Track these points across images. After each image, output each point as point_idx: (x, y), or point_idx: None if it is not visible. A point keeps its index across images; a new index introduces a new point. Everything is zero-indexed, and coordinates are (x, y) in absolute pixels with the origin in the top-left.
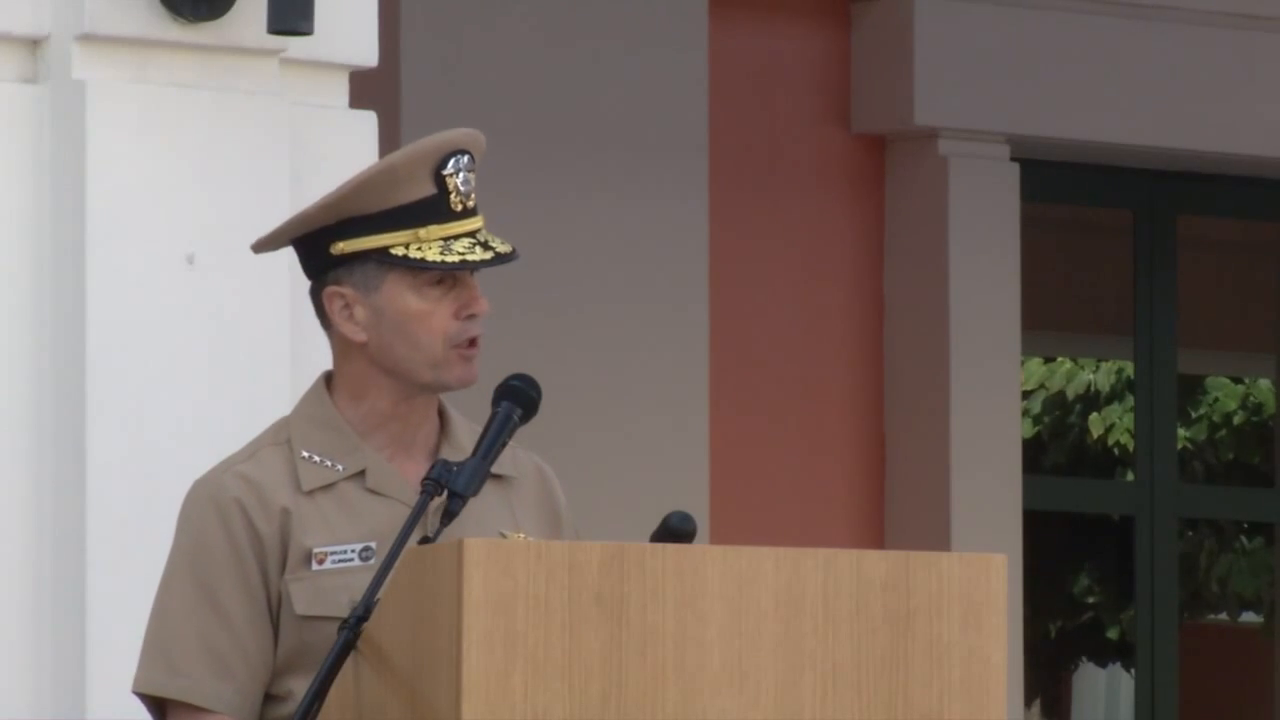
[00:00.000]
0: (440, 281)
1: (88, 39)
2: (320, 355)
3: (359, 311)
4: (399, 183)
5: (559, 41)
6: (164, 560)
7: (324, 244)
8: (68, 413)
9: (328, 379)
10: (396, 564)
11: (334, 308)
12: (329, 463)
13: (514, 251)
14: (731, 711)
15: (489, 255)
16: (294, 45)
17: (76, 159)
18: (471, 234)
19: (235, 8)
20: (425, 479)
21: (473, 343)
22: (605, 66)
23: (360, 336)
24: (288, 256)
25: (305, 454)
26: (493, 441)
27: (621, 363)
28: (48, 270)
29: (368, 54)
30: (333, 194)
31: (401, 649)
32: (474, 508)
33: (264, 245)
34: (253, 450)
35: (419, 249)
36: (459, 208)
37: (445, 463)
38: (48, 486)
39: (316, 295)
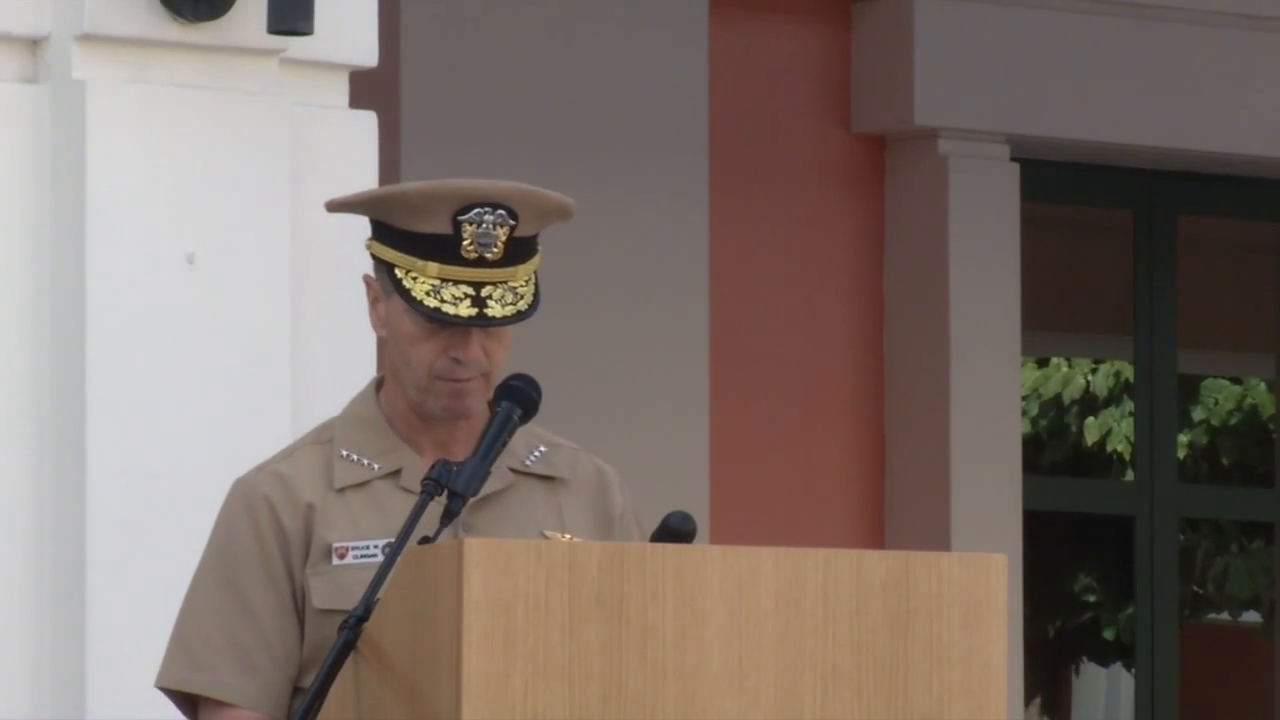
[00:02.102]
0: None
1: (88, 39)
2: (321, 355)
3: (380, 308)
4: (413, 211)
5: (559, 41)
6: (164, 561)
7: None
8: (68, 413)
9: (380, 382)
10: (396, 564)
11: (368, 295)
12: (365, 461)
13: (516, 316)
14: (731, 711)
15: (472, 313)
16: (294, 45)
17: (76, 159)
18: (477, 284)
19: (235, 8)
20: (425, 479)
21: (457, 380)
22: (605, 66)
23: (380, 331)
24: (288, 257)
25: (344, 453)
26: (492, 441)
27: (621, 362)
28: (48, 270)
29: (368, 54)
30: (354, 196)
31: (401, 649)
32: (519, 506)
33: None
34: (292, 449)
35: (412, 279)
36: (471, 256)
37: (445, 462)
38: (48, 486)
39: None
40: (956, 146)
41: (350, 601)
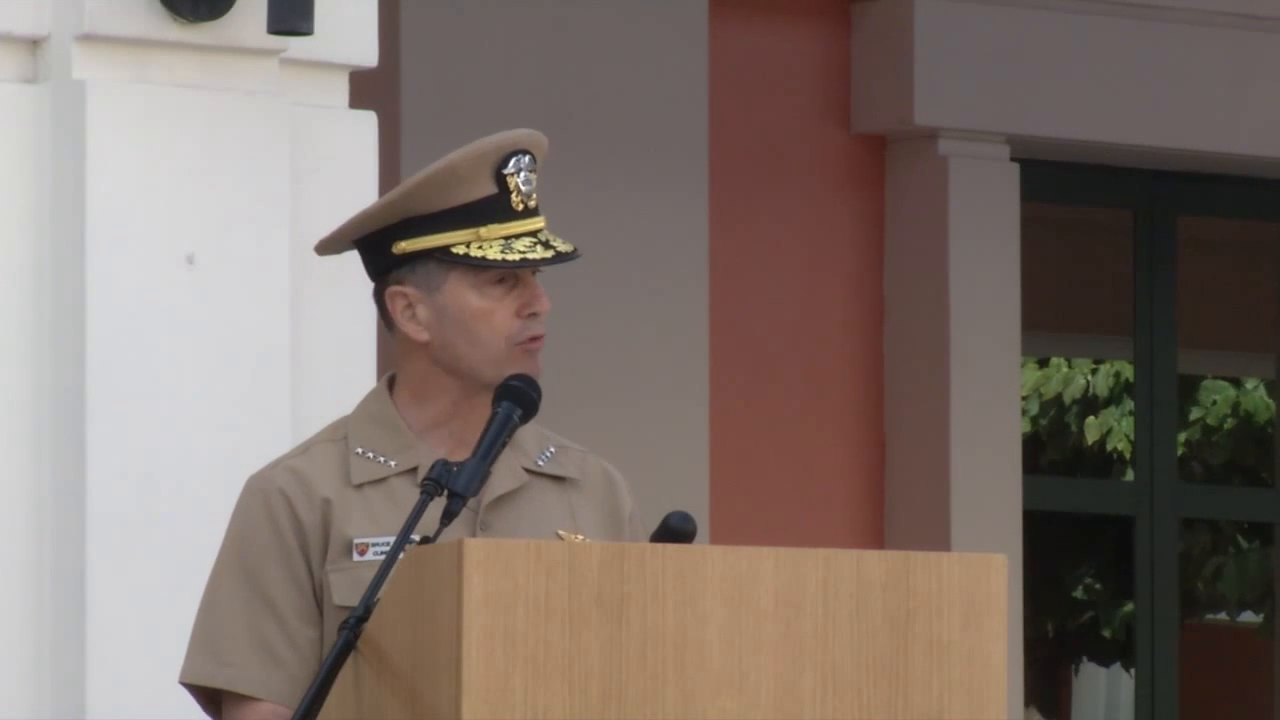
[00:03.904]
0: (501, 280)
1: (88, 39)
2: (321, 355)
3: (421, 311)
4: (460, 181)
5: (559, 41)
6: (164, 560)
7: (386, 243)
8: (68, 413)
9: (391, 380)
10: (397, 564)
11: (397, 308)
12: (382, 459)
13: (576, 250)
14: (731, 711)
15: (550, 254)
16: (294, 45)
17: (76, 159)
18: (533, 233)
19: (235, 8)
20: (425, 479)
21: (534, 339)
22: (605, 66)
23: (423, 336)
24: (288, 256)
25: (359, 450)
26: (492, 442)
27: (621, 362)
28: (48, 270)
29: (368, 54)
30: (394, 192)
31: (401, 649)
32: (532, 507)
33: (327, 247)
34: (306, 446)
35: (480, 248)
36: (520, 207)
37: (445, 463)
38: (48, 486)
39: (380, 296)
40: (956, 146)
41: None
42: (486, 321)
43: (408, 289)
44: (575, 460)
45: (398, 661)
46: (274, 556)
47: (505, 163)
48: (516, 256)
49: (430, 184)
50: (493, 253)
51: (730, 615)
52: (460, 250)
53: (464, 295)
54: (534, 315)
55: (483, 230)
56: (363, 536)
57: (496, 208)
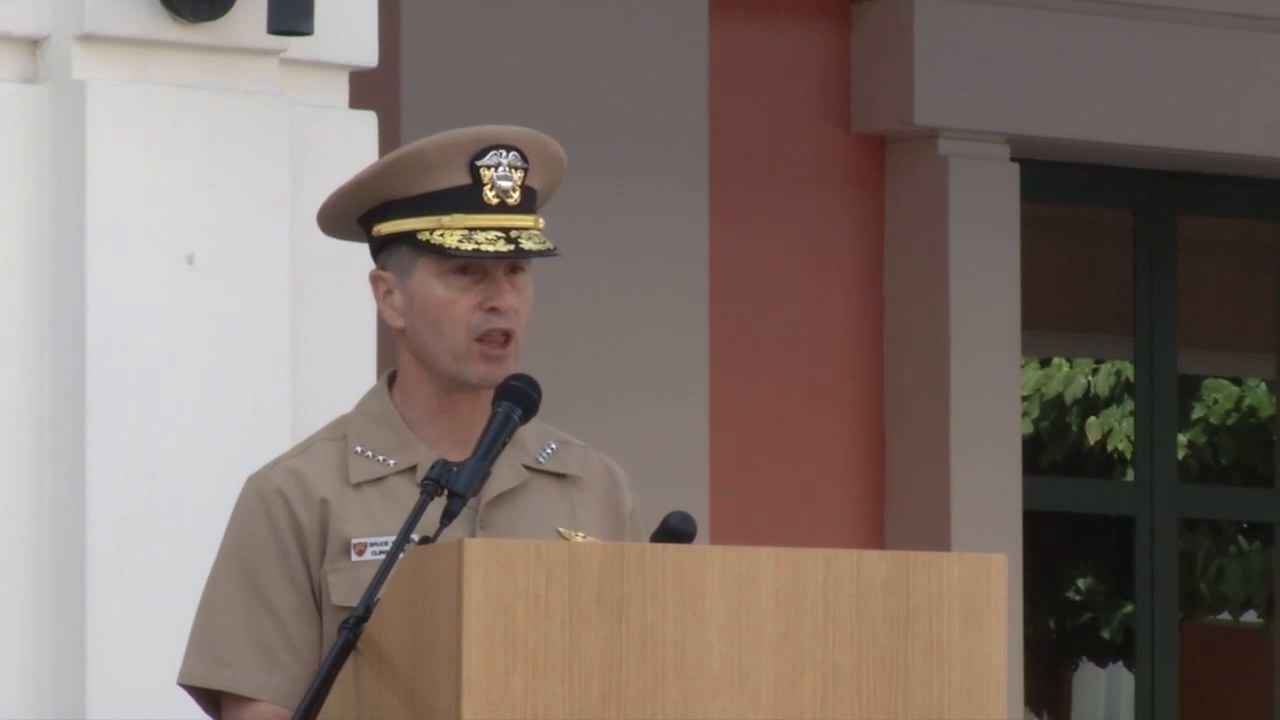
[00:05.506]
0: (465, 271)
1: (88, 39)
2: (321, 355)
3: (397, 297)
4: (430, 168)
5: (559, 41)
6: (164, 561)
7: (371, 226)
8: (68, 413)
9: (392, 377)
10: (397, 564)
11: (378, 291)
12: (380, 458)
13: (551, 250)
14: (731, 712)
15: (509, 249)
16: (294, 45)
17: (76, 159)
18: (503, 228)
19: (235, 8)
20: (425, 479)
21: (506, 340)
22: (605, 66)
23: (398, 322)
24: (288, 257)
25: (359, 449)
26: (492, 442)
27: (621, 362)
28: (48, 270)
29: (368, 54)
30: (364, 171)
31: (401, 649)
32: (534, 504)
33: (326, 223)
34: (306, 445)
35: (440, 235)
36: (494, 201)
37: (445, 463)
38: (48, 486)
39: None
40: (956, 146)
41: None
42: (447, 311)
43: (387, 274)
44: (576, 456)
45: (398, 661)
46: (272, 558)
47: (482, 155)
48: (471, 247)
49: (398, 167)
50: (451, 240)
51: (730, 615)
52: (424, 236)
53: (429, 283)
54: (494, 310)
55: (445, 219)
56: (360, 536)
57: (465, 198)
